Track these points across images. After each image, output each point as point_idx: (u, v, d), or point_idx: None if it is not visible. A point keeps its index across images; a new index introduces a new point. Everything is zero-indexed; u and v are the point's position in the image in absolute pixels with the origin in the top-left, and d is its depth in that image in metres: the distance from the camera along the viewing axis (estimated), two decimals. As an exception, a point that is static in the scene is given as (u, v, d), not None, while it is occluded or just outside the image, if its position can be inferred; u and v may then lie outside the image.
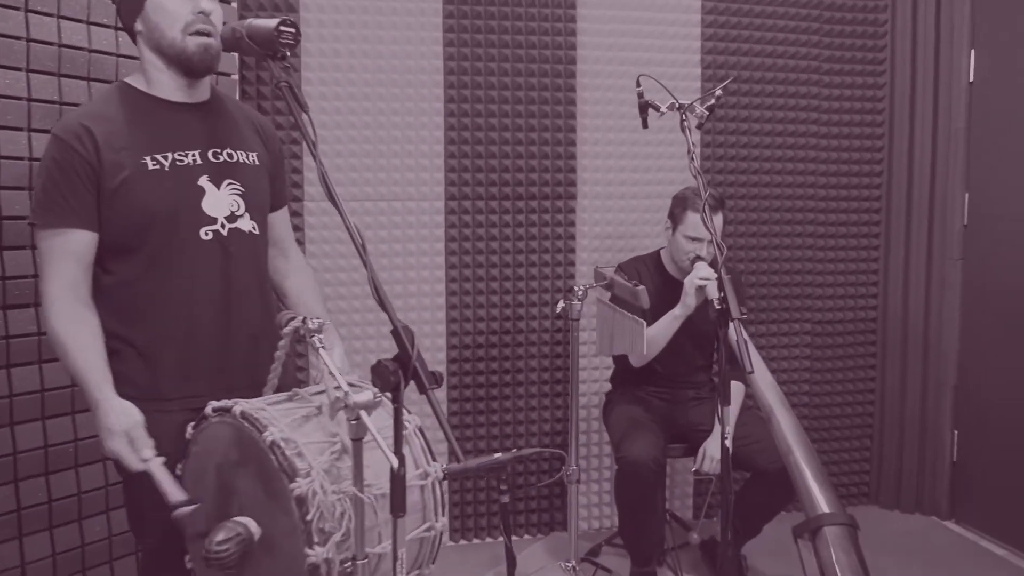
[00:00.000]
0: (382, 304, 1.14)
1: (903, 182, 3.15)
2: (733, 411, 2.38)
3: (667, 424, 2.50)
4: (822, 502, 1.49)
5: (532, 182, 2.90)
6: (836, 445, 3.28)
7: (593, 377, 3.00)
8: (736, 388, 2.38)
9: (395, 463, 1.09)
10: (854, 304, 3.24)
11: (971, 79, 3.00)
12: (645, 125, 2.07)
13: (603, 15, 2.90)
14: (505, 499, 1.53)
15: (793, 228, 3.15)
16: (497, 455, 1.45)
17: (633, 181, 2.98)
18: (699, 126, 2.08)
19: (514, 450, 1.53)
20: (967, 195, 3.04)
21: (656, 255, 2.60)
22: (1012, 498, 2.87)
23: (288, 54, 1.32)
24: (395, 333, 1.11)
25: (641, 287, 1.96)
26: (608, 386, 2.82)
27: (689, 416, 2.53)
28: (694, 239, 2.37)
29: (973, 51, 2.99)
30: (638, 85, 2.03)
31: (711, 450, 2.34)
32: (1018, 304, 2.83)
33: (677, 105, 1.96)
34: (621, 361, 2.55)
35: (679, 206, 2.44)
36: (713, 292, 1.92)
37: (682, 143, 1.86)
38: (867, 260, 3.24)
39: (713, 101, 2.01)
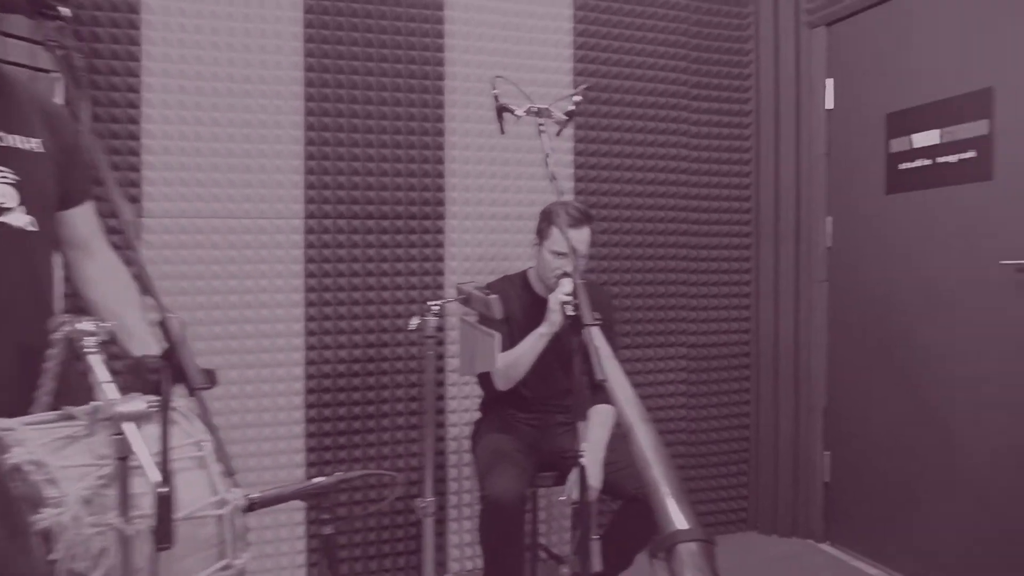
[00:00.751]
0: (148, 292, 0.96)
1: (770, 206, 3.21)
2: (603, 435, 2.27)
3: (536, 452, 2.37)
4: (678, 518, 1.37)
5: (398, 200, 2.75)
6: (714, 471, 3.23)
7: (464, 407, 2.84)
8: (607, 412, 2.28)
9: (155, 479, 0.89)
10: (728, 328, 3.24)
11: (829, 106, 3.10)
12: (503, 131, 1.97)
13: (472, 32, 2.83)
14: (328, 530, 1.34)
15: (667, 251, 3.13)
16: (317, 480, 1.26)
17: (504, 201, 2.88)
18: (558, 133, 2.00)
19: (338, 473, 1.34)
20: (830, 218, 3.11)
21: (523, 274, 2.50)
22: (882, 518, 2.88)
23: (59, 11, 1.13)
24: (161, 324, 0.92)
25: (493, 296, 1.83)
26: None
27: (559, 442, 2.40)
28: (561, 254, 2.28)
29: (831, 80, 3.09)
30: (493, 88, 1.93)
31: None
32: (880, 324, 2.89)
33: (534, 109, 1.88)
34: (488, 385, 2.40)
35: (545, 220, 2.35)
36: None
37: (556, 152, 1.77)
38: (739, 284, 3.25)
39: (572, 107, 1.94)
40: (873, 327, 2.92)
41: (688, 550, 1.25)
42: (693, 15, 3.14)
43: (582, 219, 2.30)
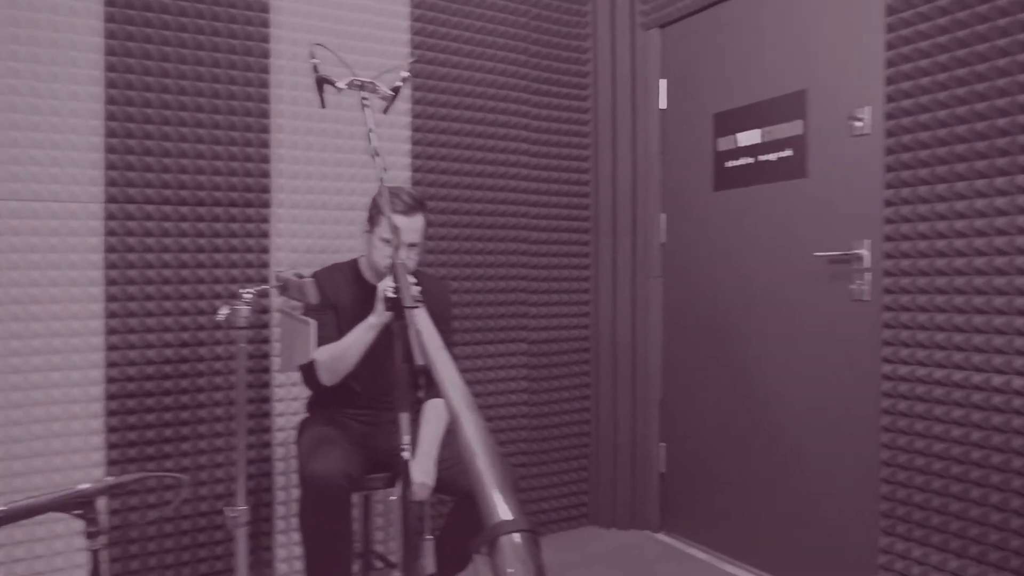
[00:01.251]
0: None
1: (608, 203, 3.24)
2: (437, 430, 2.17)
3: (367, 449, 2.22)
4: (502, 509, 1.28)
5: (217, 185, 2.52)
6: (556, 468, 3.22)
7: (293, 409, 2.64)
8: (442, 406, 2.18)
9: None
10: (568, 323, 3.24)
11: (663, 106, 3.18)
12: (323, 104, 1.82)
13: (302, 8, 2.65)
14: (98, 543, 1.13)
15: (507, 246, 3.09)
16: (81, 486, 1.07)
17: (337, 190, 2.72)
18: (386, 110, 1.89)
19: (107, 478, 1.15)
20: (664, 215, 3.19)
21: (354, 263, 2.35)
22: (713, 506, 2.98)
23: None
24: None
25: (308, 279, 1.69)
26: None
27: (392, 440, 2.26)
28: (398, 246, 2.15)
29: (664, 80, 3.18)
30: (313, 56, 1.79)
31: (413, 474, 2.10)
32: (709, 319, 2.99)
33: (358, 82, 1.75)
34: (313, 381, 2.23)
35: (376, 207, 2.22)
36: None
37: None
38: (578, 279, 3.27)
39: (400, 83, 1.83)
40: (703, 321, 3.02)
41: (511, 542, 1.16)
42: (533, 8, 3.13)
43: (415, 206, 2.19)
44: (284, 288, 1.79)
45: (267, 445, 2.61)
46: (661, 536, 3.18)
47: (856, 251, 2.40)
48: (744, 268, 2.83)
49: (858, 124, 2.39)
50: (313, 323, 1.67)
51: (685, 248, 3.10)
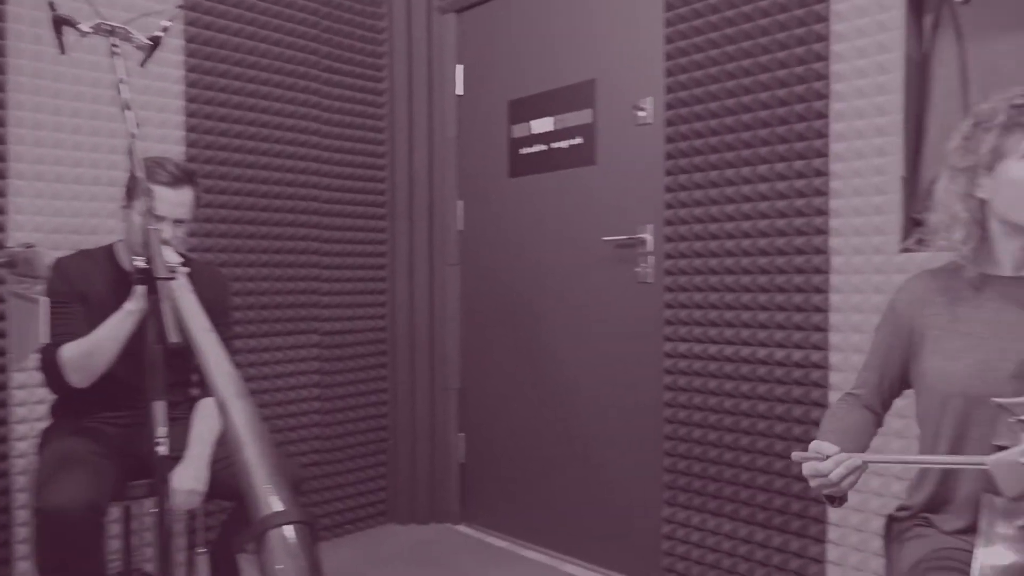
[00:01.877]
0: None
1: (405, 189, 3.15)
2: (211, 428, 1.95)
3: (126, 456, 1.94)
4: (271, 502, 1.15)
5: (-67, 151, 2.12)
6: (352, 465, 3.07)
7: (37, 414, 2.27)
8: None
9: None
10: (363, 313, 3.11)
11: (459, 92, 3.15)
12: (62, 49, 1.57)
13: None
14: None
15: (298, 231, 2.89)
16: None
17: (92, 162, 2.39)
18: (144, 63, 1.66)
19: None
20: (461, 202, 3.16)
21: (109, 248, 2.06)
22: (511, 493, 2.98)
23: None
24: None
25: (36, 247, 1.44)
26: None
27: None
28: (156, 218, 1.91)
29: (461, 66, 3.14)
30: (48, -7, 1.53)
31: (180, 480, 1.87)
32: (506, 306, 2.99)
33: (107, 27, 1.52)
34: (57, 381, 1.91)
35: (135, 177, 1.95)
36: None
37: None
38: (375, 267, 3.14)
39: (160, 32, 1.61)
40: (501, 308, 3.02)
41: (280, 535, 1.04)
42: (324, -18, 2.96)
43: (182, 178, 1.95)
44: (11, 263, 1.51)
45: (3, 458, 2.23)
46: (462, 528, 3.14)
47: (640, 235, 2.50)
48: (538, 254, 2.86)
49: (642, 114, 2.50)
50: (44, 300, 1.42)
51: (482, 235, 3.09)
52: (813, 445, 1.30)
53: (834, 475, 1.24)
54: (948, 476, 1.35)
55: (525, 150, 2.90)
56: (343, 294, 3.04)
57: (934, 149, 1.98)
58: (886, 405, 1.49)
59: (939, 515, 1.36)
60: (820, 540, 2.06)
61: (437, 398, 3.17)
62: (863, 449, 1.43)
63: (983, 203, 1.34)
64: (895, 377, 1.47)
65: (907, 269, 1.90)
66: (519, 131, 2.93)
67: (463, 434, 3.16)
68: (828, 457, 1.26)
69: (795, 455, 1.31)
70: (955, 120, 1.98)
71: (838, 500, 1.33)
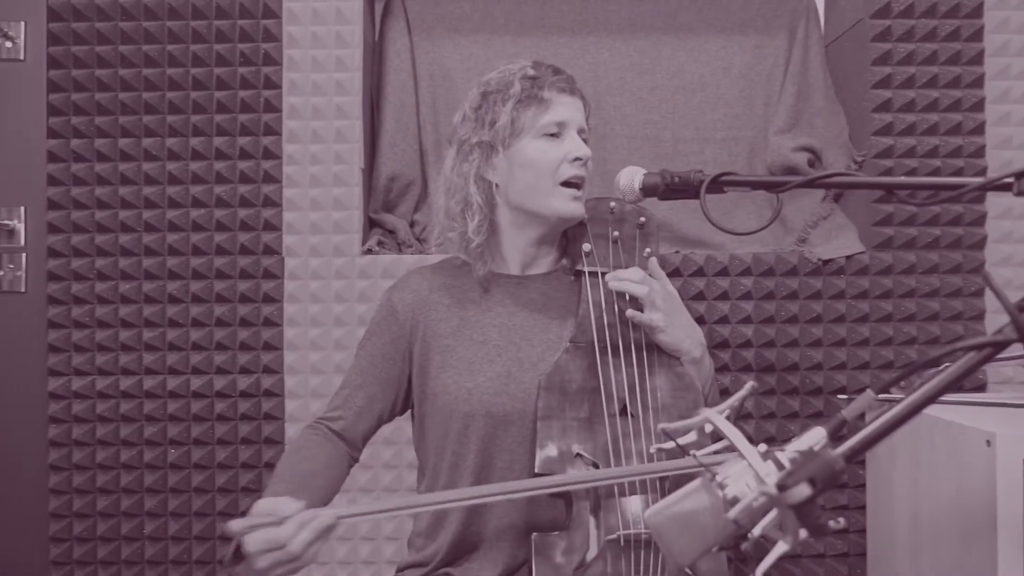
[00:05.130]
0: None
1: None
2: None
3: None
4: None
5: None
6: None
7: None
8: None
9: None
10: None
11: None
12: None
13: None
14: None
15: None
16: None
17: None
18: None
19: None
20: None
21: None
22: None
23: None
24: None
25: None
26: None
27: None
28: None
29: None
30: None
31: None
32: None
33: None
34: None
35: None
36: None
37: None
38: None
39: None
40: None
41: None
42: None
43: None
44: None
45: None
46: None
47: (5, 222, 1.69)
48: None
49: (8, 44, 1.70)
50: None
51: None
52: (261, 505, 0.91)
53: (296, 544, 0.87)
54: (472, 514, 1.10)
55: None
56: None
57: (390, 143, 1.81)
58: (370, 433, 1.17)
59: (465, 566, 1.10)
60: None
61: None
62: (334, 494, 1.09)
63: (493, 188, 1.15)
64: (392, 397, 1.17)
65: (370, 274, 1.66)
66: None
67: None
68: (286, 519, 0.88)
69: (232, 525, 0.89)
70: (408, 115, 1.86)
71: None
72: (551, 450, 1.04)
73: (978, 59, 1.68)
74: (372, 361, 1.16)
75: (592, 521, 1.04)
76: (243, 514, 0.87)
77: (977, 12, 1.68)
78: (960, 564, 1.30)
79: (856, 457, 0.59)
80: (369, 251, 1.69)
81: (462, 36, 1.88)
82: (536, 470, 1.02)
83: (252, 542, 0.88)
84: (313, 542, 0.89)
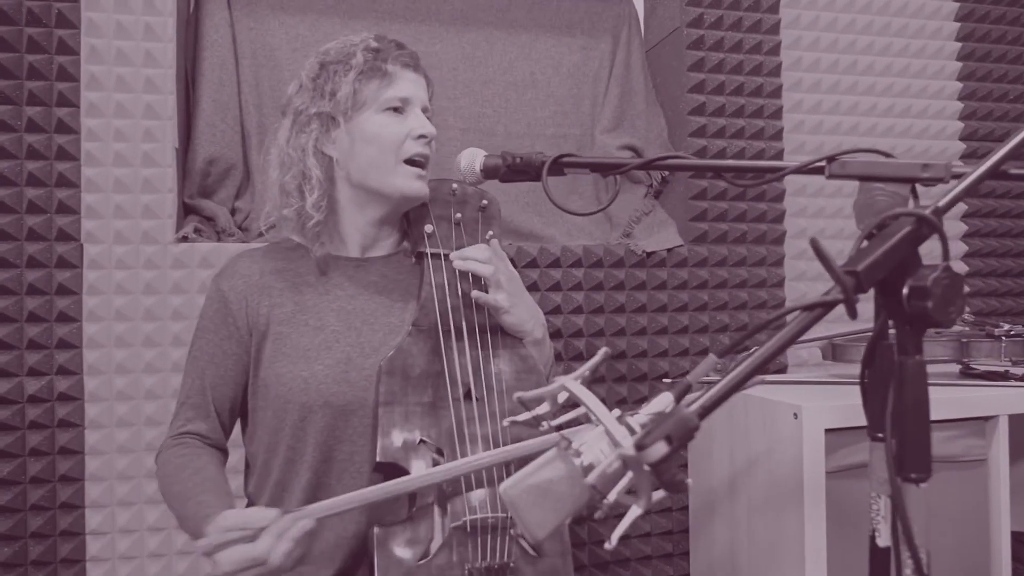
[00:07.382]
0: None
1: None
2: None
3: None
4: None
5: None
6: None
7: None
8: None
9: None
10: None
11: None
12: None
13: None
14: None
15: None
16: None
17: None
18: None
19: None
20: None
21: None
22: None
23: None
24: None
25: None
26: None
27: None
28: None
29: None
30: None
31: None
32: None
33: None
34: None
35: None
36: None
37: None
38: None
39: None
40: None
41: None
42: None
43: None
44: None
45: None
46: None
47: None
48: None
49: None
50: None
51: None
52: (229, 518, 0.86)
53: (276, 557, 0.85)
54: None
55: None
56: None
57: (208, 124, 1.67)
58: (231, 428, 1.11)
59: (298, 569, 1.02)
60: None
61: None
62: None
63: (333, 163, 1.09)
64: (238, 395, 1.09)
65: (186, 263, 1.53)
66: None
67: None
68: (260, 531, 0.85)
69: (201, 544, 0.83)
70: (229, 94, 1.73)
71: None
72: (394, 438, 1.00)
73: (776, 71, 1.86)
74: (212, 359, 1.07)
75: (437, 510, 1.01)
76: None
77: (774, 29, 1.86)
78: (772, 528, 1.42)
79: (707, 414, 0.61)
80: (184, 239, 1.54)
81: (288, 15, 1.78)
82: (378, 459, 0.97)
83: (227, 562, 0.83)
84: (293, 551, 0.86)
